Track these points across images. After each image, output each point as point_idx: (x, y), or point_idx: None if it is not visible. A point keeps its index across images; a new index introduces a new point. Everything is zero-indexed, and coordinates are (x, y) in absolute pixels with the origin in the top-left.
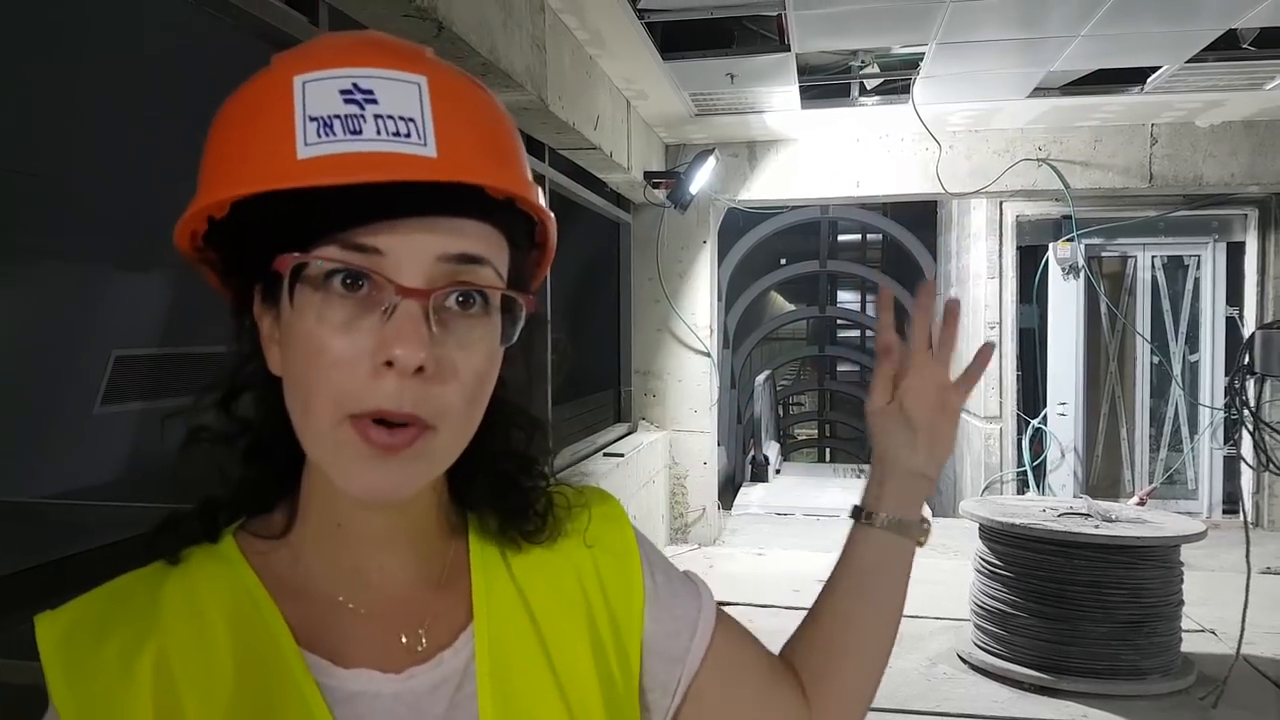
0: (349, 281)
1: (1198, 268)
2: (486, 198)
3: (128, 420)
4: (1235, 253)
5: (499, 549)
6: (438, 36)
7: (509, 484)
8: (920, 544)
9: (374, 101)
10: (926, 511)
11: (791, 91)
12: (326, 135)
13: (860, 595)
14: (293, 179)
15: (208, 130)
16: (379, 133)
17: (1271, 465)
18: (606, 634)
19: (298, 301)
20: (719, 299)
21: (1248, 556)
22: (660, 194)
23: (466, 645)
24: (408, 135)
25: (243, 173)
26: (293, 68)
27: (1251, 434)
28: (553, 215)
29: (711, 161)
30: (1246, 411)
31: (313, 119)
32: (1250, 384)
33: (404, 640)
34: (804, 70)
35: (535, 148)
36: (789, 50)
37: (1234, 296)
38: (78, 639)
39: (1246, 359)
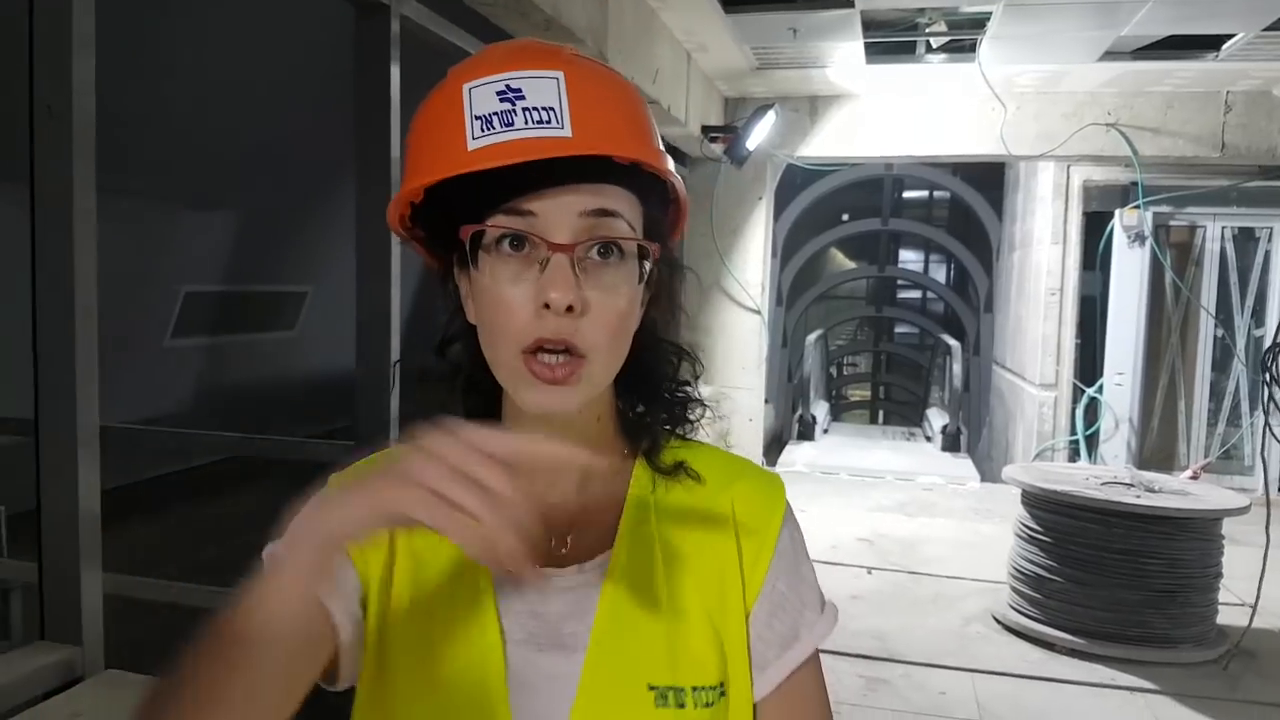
0: (514, 243)
1: (1269, 240)
2: (615, 165)
3: (195, 353)
4: None
5: (652, 493)
6: None
7: (666, 403)
8: None
9: (522, 97)
10: None
11: (856, 46)
12: (487, 130)
13: None
14: (464, 166)
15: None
16: (526, 122)
17: None
18: (731, 590)
19: (481, 263)
20: (774, 256)
21: (1266, 528)
22: (717, 149)
23: (599, 568)
24: (549, 122)
25: (429, 166)
26: (461, 78)
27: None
28: (679, 176)
29: (771, 116)
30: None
31: (477, 117)
32: None
33: (552, 542)
34: (868, 26)
35: None
36: (853, 6)
37: None
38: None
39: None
